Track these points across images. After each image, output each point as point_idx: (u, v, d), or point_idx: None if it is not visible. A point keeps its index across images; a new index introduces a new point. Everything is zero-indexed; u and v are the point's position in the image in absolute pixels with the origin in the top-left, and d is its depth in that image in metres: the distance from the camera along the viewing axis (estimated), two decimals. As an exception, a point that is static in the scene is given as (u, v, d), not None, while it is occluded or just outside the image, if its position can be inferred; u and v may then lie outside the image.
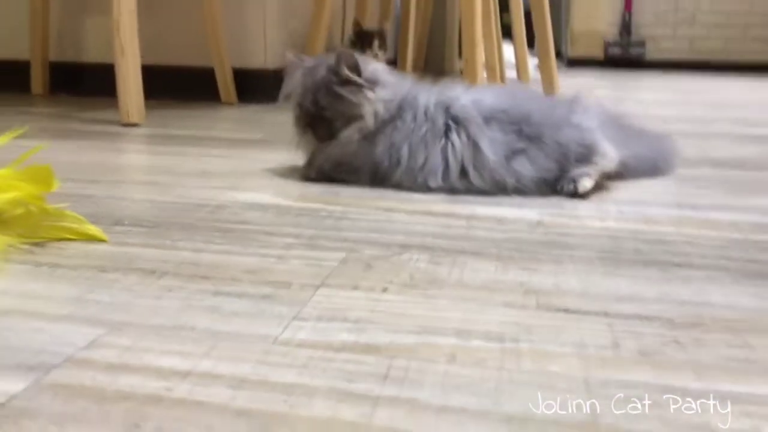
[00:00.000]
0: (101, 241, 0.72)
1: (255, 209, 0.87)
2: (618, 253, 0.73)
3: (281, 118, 1.62)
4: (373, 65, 1.03)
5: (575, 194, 0.96)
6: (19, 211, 0.70)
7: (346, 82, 0.98)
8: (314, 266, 0.66)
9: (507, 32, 3.16)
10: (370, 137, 1.00)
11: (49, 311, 0.55)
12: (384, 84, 1.01)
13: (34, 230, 0.70)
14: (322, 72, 1.00)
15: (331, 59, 1.00)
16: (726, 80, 3.61)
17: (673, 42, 4.80)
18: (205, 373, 0.45)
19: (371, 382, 0.45)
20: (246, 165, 1.15)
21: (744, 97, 2.67)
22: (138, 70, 1.56)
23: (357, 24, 2.21)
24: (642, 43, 4.73)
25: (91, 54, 2.14)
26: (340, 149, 1.01)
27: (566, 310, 0.57)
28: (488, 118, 1.00)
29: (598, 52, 4.76)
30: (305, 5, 2.14)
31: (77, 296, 0.58)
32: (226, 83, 2.01)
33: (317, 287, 0.61)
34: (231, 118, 1.74)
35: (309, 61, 1.04)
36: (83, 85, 2.14)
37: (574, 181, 0.96)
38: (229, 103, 2.00)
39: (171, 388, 0.43)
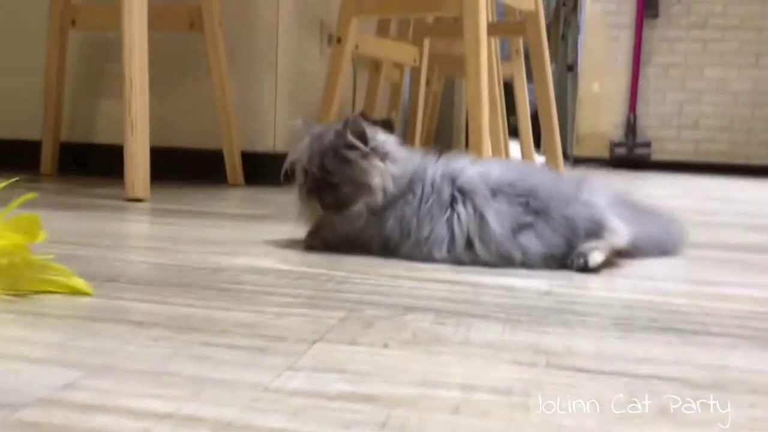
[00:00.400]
0: (86, 294, 0.69)
1: (254, 272, 0.85)
2: (632, 320, 0.69)
3: (288, 198, 1.62)
4: (383, 136, 1.01)
5: (585, 268, 0.93)
6: (2, 261, 0.68)
7: (353, 147, 0.97)
8: (312, 323, 0.63)
9: (513, 132, 3.22)
10: (379, 212, 0.98)
11: (29, 354, 0.52)
12: (394, 158, 0.99)
13: (16, 281, 0.67)
14: (330, 136, 0.98)
15: (339, 125, 1.00)
16: (730, 181, 3.63)
17: (678, 144, 4.87)
18: (187, 417, 0.42)
19: (368, 429, 0.41)
20: (248, 236, 1.13)
21: (747, 195, 2.67)
22: (146, 146, 1.57)
23: (363, 115, 2.25)
24: (647, 144, 4.80)
25: (102, 135, 2.17)
26: (348, 223, 0.99)
27: (579, 369, 0.53)
28: (495, 191, 0.98)
29: (603, 152, 4.82)
30: (316, 92, 2.18)
31: (60, 342, 0.55)
32: (234, 165, 2.02)
33: (314, 341, 0.58)
34: (237, 197, 1.73)
35: (317, 128, 1.02)
36: (92, 165, 2.16)
37: (584, 255, 0.94)
38: (236, 185, 2.01)
39: (149, 429, 0.39)
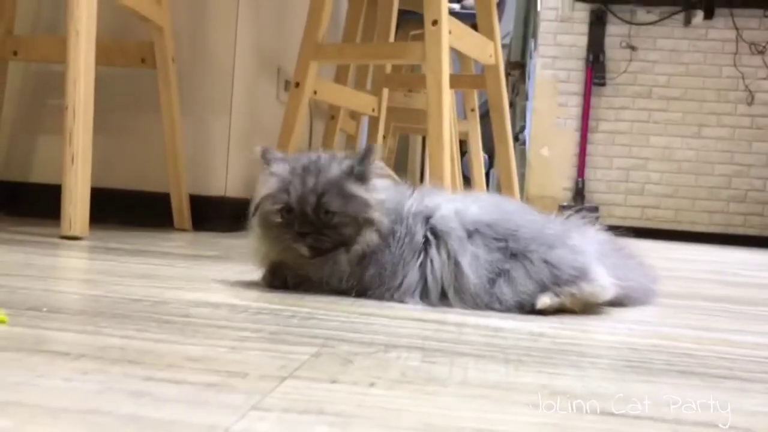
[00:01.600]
0: None
1: (204, 306, 0.73)
2: (647, 363, 0.60)
3: (240, 242, 1.50)
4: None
5: (532, 309, 0.83)
6: None
7: (363, 179, 0.85)
8: (278, 358, 0.52)
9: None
10: (364, 258, 0.85)
11: None
12: (379, 189, 0.87)
13: None
14: (333, 171, 0.85)
15: (338, 158, 0.87)
16: (678, 246, 3.65)
17: (625, 209, 4.93)
18: (117, 467, 0.30)
19: (368, 485, 0.30)
20: (196, 273, 1.01)
21: (701, 258, 2.67)
22: (87, 181, 1.44)
23: (319, 159, 2.16)
24: (595, 209, 4.84)
25: (40, 174, 2.02)
26: (330, 269, 0.85)
27: (612, 414, 0.44)
28: (471, 232, 0.87)
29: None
30: (271, 137, 2.08)
31: (-46, 374, 0.43)
32: (181, 209, 1.89)
33: (283, 378, 0.46)
34: (184, 239, 1.60)
35: (292, 159, 0.89)
36: (27, 205, 2.00)
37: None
38: (183, 230, 1.88)
39: (61, 484, 0.28)
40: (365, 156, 0.85)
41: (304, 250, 0.84)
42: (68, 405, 0.38)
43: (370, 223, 0.84)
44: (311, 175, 0.84)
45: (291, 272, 0.88)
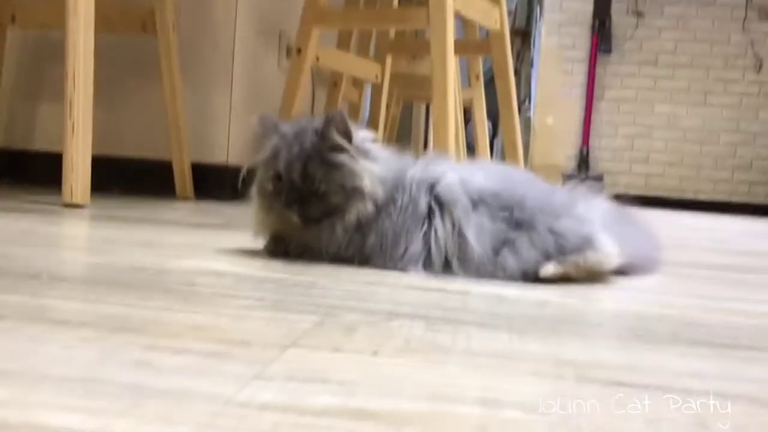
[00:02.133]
0: None
1: (207, 275, 0.72)
2: (652, 332, 0.59)
3: (242, 211, 1.50)
4: (363, 133, 0.89)
5: (536, 278, 0.83)
6: None
7: (337, 149, 0.84)
8: (281, 327, 0.52)
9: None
10: (361, 226, 0.85)
11: None
12: (375, 157, 0.87)
13: None
14: (311, 138, 0.84)
15: (316, 122, 0.86)
16: (682, 214, 3.64)
17: (630, 177, 4.91)
18: (118, 436, 0.30)
19: (372, 454, 0.30)
20: (199, 241, 1.00)
21: (706, 225, 2.66)
22: (88, 149, 1.43)
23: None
24: (600, 177, 4.82)
25: (42, 142, 2.01)
26: (327, 237, 0.85)
27: (619, 383, 0.43)
28: (476, 201, 0.86)
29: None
30: (273, 104, 2.07)
31: (-46, 343, 0.42)
32: (183, 177, 1.89)
33: (286, 347, 0.46)
34: (186, 208, 1.60)
35: (286, 127, 0.88)
36: (29, 173, 1.99)
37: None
38: (185, 198, 1.87)
39: (61, 454, 0.28)
40: (326, 126, 0.84)
41: (295, 218, 0.84)
42: (69, 373, 0.38)
43: (359, 191, 0.83)
44: (298, 142, 0.84)
45: (291, 241, 0.88)
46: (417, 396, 0.38)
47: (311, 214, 0.84)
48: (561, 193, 0.93)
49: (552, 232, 0.85)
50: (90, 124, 1.44)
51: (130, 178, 1.92)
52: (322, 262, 0.84)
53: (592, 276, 0.86)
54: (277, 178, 0.84)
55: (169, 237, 1.02)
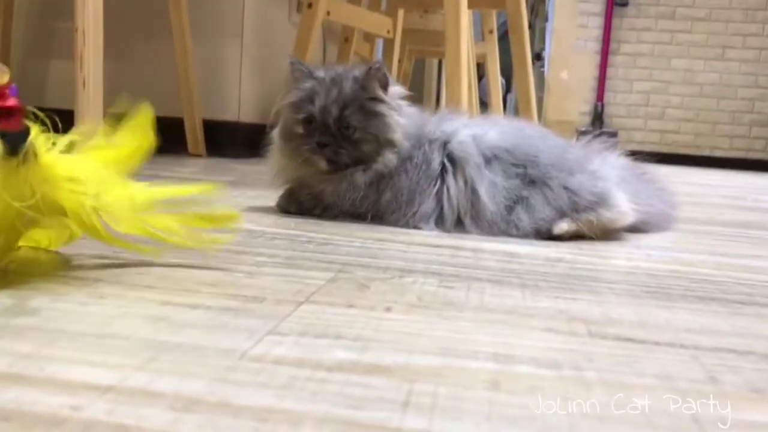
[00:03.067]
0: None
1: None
2: (665, 289, 0.59)
3: (254, 168, 1.50)
4: (397, 88, 0.89)
5: (549, 235, 0.82)
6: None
7: (377, 99, 0.84)
8: (294, 283, 0.52)
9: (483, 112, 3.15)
10: (380, 181, 0.85)
11: (-74, 312, 0.40)
12: (403, 113, 0.87)
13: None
14: (351, 85, 0.84)
15: (355, 70, 0.86)
16: (698, 171, 3.61)
17: (644, 134, 4.85)
18: (135, 390, 0.30)
19: (386, 409, 0.30)
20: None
21: (721, 183, 2.63)
22: (99, 105, 1.43)
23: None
24: (614, 134, 4.76)
25: (52, 99, 2.01)
26: (346, 187, 0.85)
27: (630, 340, 0.43)
28: (489, 157, 0.86)
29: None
30: (283, 60, 2.05)
31: (-28, 298, 0.43)
32: (195, 134, 1.88)
33: (300, 303, 0.46)
34: (198, 165, 1.60)
35: (322, 71, 0.87)
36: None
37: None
38: (197, 155, 1.87)
39: (79, 407, 0.28)
40: (366, 77, 0.84)
41: (323, 163, 0.84)
42: (85, 329, 0.38)
43: (390, 143, 0.84)
44: (337, 87, 0.84)
45: (306, 191, 0.88)
46: (430, 351, 0.38)
47: (341, 159, 0.84)
48: (575, 150, 0.92)
49: (566, 188, 0.85)
50: (100, 78, 1.44)
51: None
52: (335, 219, 0.85)
53: (606, 233, 0.85)
54: (308, 121, 0.85)
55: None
